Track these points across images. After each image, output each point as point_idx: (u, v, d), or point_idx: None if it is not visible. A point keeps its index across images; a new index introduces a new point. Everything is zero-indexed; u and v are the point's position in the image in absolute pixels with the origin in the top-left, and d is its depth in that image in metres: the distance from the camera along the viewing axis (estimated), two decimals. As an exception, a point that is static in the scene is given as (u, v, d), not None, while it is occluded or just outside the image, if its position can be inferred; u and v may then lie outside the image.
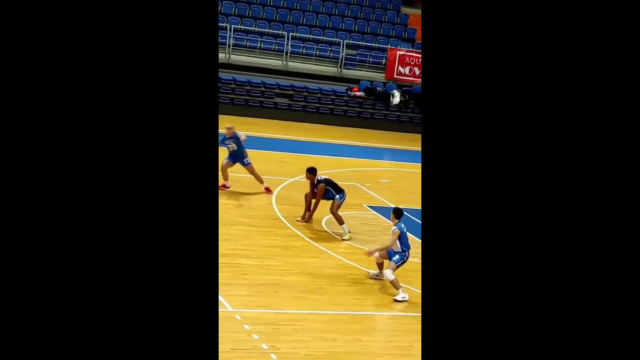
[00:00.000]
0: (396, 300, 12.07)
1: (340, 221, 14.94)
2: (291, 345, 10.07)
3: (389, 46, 29.53)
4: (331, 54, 28.98)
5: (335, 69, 29.00)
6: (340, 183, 15.52)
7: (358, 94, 28.20)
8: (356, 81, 28.81)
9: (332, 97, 27.72)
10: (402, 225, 12.57)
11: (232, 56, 27.48)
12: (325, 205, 15.18)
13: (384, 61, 29.42)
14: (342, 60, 28.92)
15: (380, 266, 12.75)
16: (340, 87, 28.37)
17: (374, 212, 16.94)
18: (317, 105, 27.37)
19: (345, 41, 29.00)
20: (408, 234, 12.61)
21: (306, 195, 15.26)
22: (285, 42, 28.18)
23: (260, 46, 28.22)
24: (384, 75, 29.30)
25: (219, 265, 12.31)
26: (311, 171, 15.27)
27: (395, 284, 12.21)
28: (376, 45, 29.85)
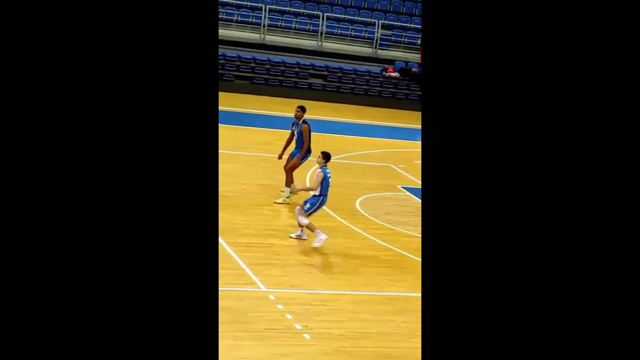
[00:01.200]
0: (314, 247, 12.16)
1: (288, 183, 14.51)
2: (324, 326, 10.10)
3: (424, 26, 29.29)
4: (366, 35, 28.86)
5: (370, 49, 28.87)
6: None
7: (393, 74, 28.07)
8: (391, 62, 28.67)
9: (367, 77, 27.63)
10: (328, 170, 12.69)
11: (266, 36, 27.47)
12: (352, 186, 15.09)
13: (419, 42, 29.22)
14: (377, 40, 28.78)
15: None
16: (375, 68, 28.25)
17: (408, 193, 16.89)
18: (352, 86, 27.29)
19: (380, 21, 28.84)
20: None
21: (287, 169, 14.90)
22: (320, 23, 28.10)
23: (295, 26, 28.16)
24: (419, 55, 29.11)
25: (252, 245, 12.41)
26: (303, 109, 14.97)
27: (310, 227, 12.39)
28: (411, 25, 29.66)
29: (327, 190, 12.71)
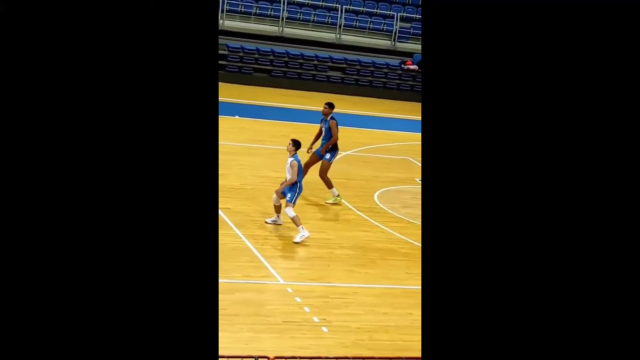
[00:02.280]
0: (295, 242, 12.16)
1: (329, 185, 14.64)
2: (342, 319, 10.10)
3: (443, 19, 29.21)
4: (384, 27, 28.78)
5: (389, 42, 28.79)
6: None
7: (411, 67, 27.99)
8: (410, 54, 28.58)
9: (385, 70, 27.56)
10: (298, 157, 12.84)
11: (285, 29, 27.45)
12: (371, 179, 15.07)
13: (438, 34, 29.10)
14: (395, 33, 28.70)
15: (278, 209, 12.90)
16: (394, 61, 28.17)
17: (427, 186, 16.84)
18: (370, 78, 27.23)
19: (398, 14, 28.76)
20: None
21: (306, 164, 14.70)
22: (339, 15, 28.05)
23: (313, 19, 28.12)
24: (437, 48, 29.00)
25: (270, 237, 12.42)
26: (331, 106, 14.90)
27: (295, 222, 12.37)
28: (430, 18, 29.53)
29: (301, 177, 12.87)
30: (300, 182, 12.80)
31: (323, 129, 14.81)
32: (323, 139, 14.77)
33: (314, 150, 14.85)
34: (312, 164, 14.84)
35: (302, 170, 12.95)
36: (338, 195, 14.70)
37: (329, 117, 14.76)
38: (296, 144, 12.89)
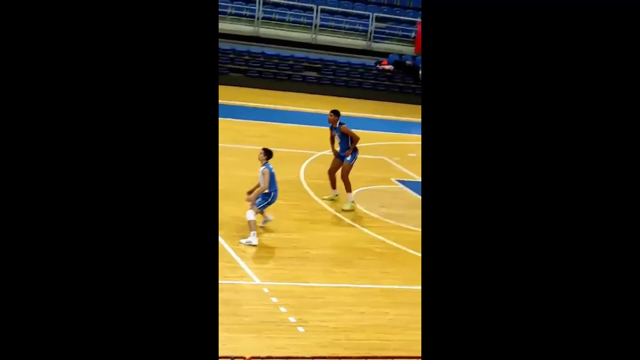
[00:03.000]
0: (241, 243, 12.15)
1: (348, 188, 14.58)
2: (319, 319, 10.10)
3: (418, 19, 29.30)
4: (360, 27, 28.81)
5: (365, 42, 28.84)
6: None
7: (387, 67, 28.04)
8: (385, 54, 28.64)
9: (361, 70, 27.60)
10: (271, 166, 12.69)
11: (260, 29, 27.41)
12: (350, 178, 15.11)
13: (413, 34, 29.19)
14: (371, 33, 28.74)
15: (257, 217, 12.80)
16: (369, 61, 28.22)
17: (402, 186, 16.89)
18: (346, 78, 27.26)
19: (374, 14, 28.80)
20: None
21: (330, 171, 15.05)
22: (314, 15, 28.05)
23: (289, 19, 28.11)
24: (413, 48, 29.09)
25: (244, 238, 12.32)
26: (336, 113, 14.88)
27: (250, 226, 12.28)
28: (405, 18, 29.63)
29: (275, 185, 12.71)
30: (274, 191, 12.67)
31: (336, 135, 14.80)
32: (341, 146, 14.78)
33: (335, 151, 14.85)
34: (336, 169, 14.83)
35: (275, 180, 12.75)
36: (353, 202, 14.64)
37: (337, 123, 14.76)
38: (267, 153, 12.75)
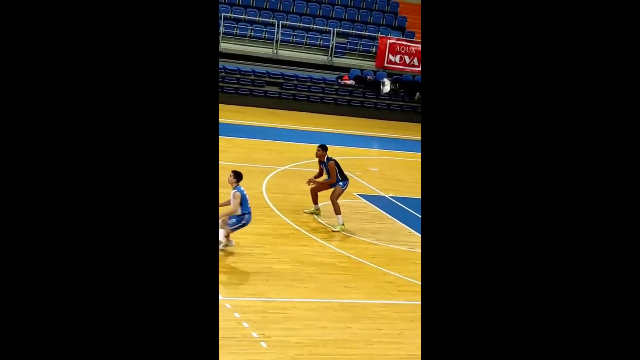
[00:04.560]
0: None
1: (337, 211, 14.75)
2: (281, 333, 10.07)
3: (379, 34, 29.49)
4: (321, 42, 28.92)
5: (326, 57, 28.94)
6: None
7: (348, 82, 28.15)
8: (346, 69, 28.77)
9: (322, 85, 27.68)
10: (242, 188, 12.61)
11: (222, 44, 27.38)
12: (309, 193, 15.16)
13: (374, 49, 29.36)
14: (332, 48, 28.86)
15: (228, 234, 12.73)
16: (331, 76, 28.32)
17: (365, 200, 16.93)
18: (307, 93, 27.32)
19: (335, 29, 28.93)
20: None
21: (312, 189, 15.14)
22: (276, 30, 28.10)
23: (250, 34, 28.12)
24: (374, 63, 29.26)
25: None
26: (323, 148, 15.10)
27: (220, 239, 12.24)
28: (367, 33, 29.79)
29: (247, 207, 12.60)
30: (247, 214, 12.55)
31: (324, 169, 15.02)
32: (329, 178, 14.96)
33: (316, 182, 15.01)
34: (319, 189, 15.04)
35: (248, 202, 12.65)
36: (343, 224, 14.69)
37: (325, 158, 14.93)
38: (237, 176, 12.61)
